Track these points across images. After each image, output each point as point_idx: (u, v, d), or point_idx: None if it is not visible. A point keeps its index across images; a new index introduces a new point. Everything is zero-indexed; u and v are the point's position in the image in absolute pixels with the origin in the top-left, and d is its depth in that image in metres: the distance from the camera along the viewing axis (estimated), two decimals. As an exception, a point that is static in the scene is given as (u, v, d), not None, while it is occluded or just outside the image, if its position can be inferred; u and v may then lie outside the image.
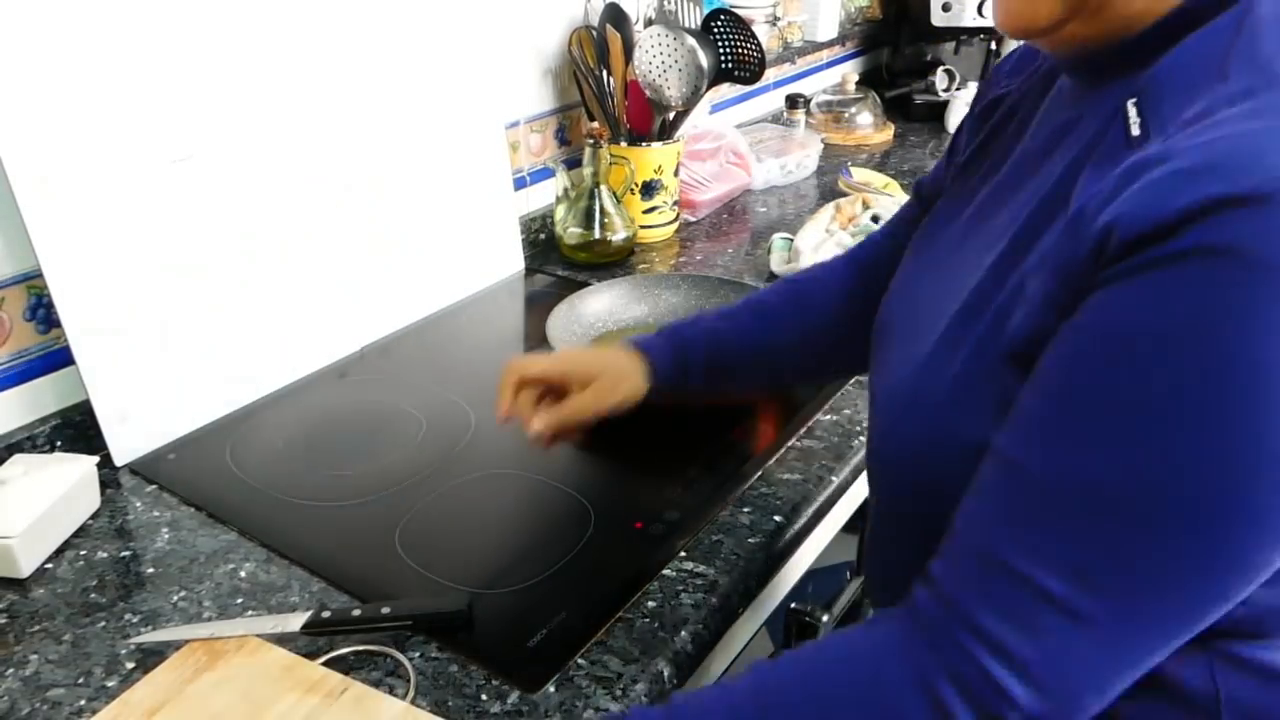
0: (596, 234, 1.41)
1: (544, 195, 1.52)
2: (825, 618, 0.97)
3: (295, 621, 0.74)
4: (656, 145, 1.46)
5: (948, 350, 0.60)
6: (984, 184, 0.70)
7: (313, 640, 0.75)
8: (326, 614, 0.75)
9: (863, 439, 1.01)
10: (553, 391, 0.87)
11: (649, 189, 1.47)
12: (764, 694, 0.56)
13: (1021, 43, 0.75)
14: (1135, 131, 0.53)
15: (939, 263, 0.70)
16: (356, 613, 0.75)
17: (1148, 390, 0.47)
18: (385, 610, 0.75)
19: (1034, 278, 0.54)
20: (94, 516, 0.91)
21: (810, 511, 0.92)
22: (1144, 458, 0.47)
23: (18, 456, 0.91)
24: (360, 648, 0.75)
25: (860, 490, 1.02)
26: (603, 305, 1.22)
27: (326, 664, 0.72)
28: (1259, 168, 0.45)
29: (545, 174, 1.52)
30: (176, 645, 0.73)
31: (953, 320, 0.61)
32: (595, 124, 1.48)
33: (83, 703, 0.71)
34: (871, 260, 0.90)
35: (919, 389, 0.62)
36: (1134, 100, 0.54)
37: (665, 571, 0.83)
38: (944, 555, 0.55)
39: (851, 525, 1.06)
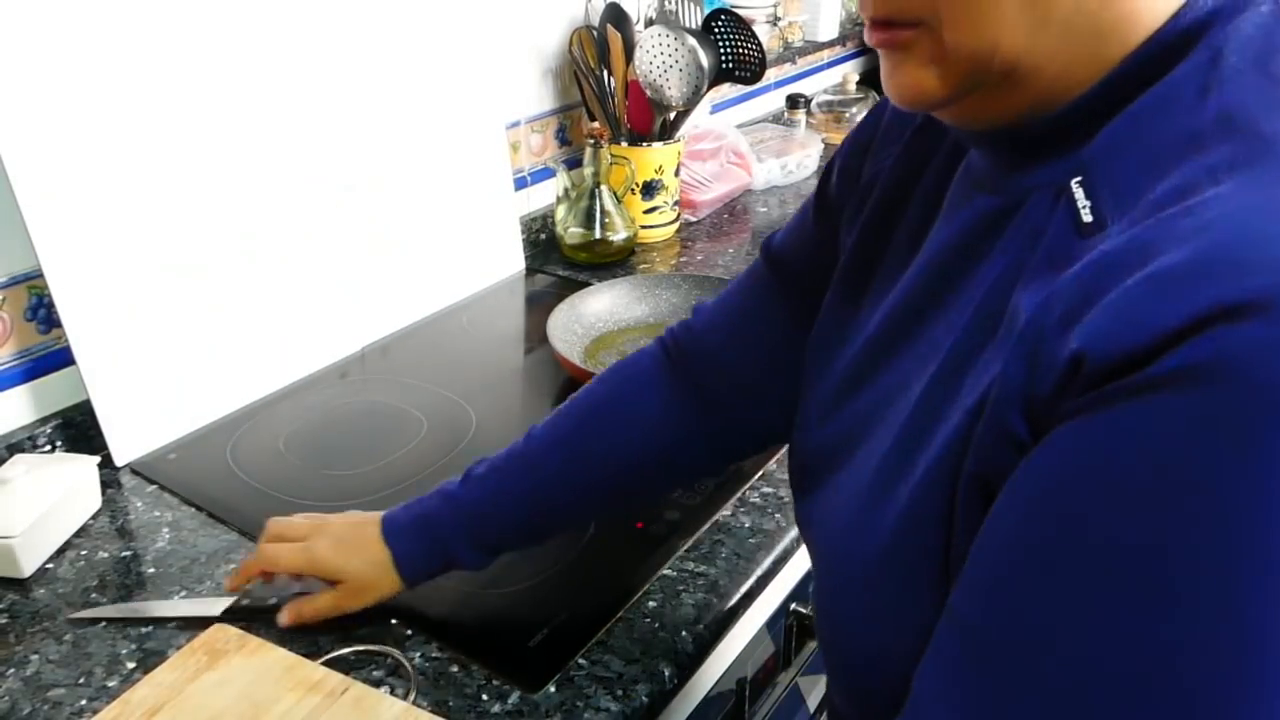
0: (597, 234, 1.41)
1: (544, 195, 1.52)
2: (826, 618, 0.96)
3: (217, 607, 0.78)
4: (657, 145, 1.46)
5: (883, 496, 0.50)
6: (890, 280, 0.58)
7: (313, 640, 0.75)
8: (246, 601, 0.78)
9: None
10: None
11: (649, 189, 1.47)
12: None
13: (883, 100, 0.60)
14: (1086, 218, 0.43)
15: (860, 378, 0.58)
16: (273, 601, 0.78)
17: (1132, 546, 0.36)
18: None
19: (983, 413, 0.43)
20: (95, 516, 0.91)
21: (811, 511, 0.92)
22: (1126, 633, 0.36)
23: (19, 456, 0.91)
24: (361, 647, 0.75)
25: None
26: (603, 305, 1.22)
27: (326, 664, 0.72)
28: (1264, 263, 0.35)
29: (546, 174, 1.52)
30: (177, 645, 0.73)
31: (886, 457, 0.50)
32: (596, 124, 1.48)
33: (83, 703, 0.71)
34: (701, 354, 0.75)
35: (860, 546, 0.51)
36: (1078, 179, 0.44)
37: (666, 571, 0.83)
38: None
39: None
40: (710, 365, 0.74)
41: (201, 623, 0.77)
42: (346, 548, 0.76)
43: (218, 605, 0.78)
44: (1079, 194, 0.44)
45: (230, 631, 0.73)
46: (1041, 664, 0.38)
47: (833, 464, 0.58)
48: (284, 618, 0.76)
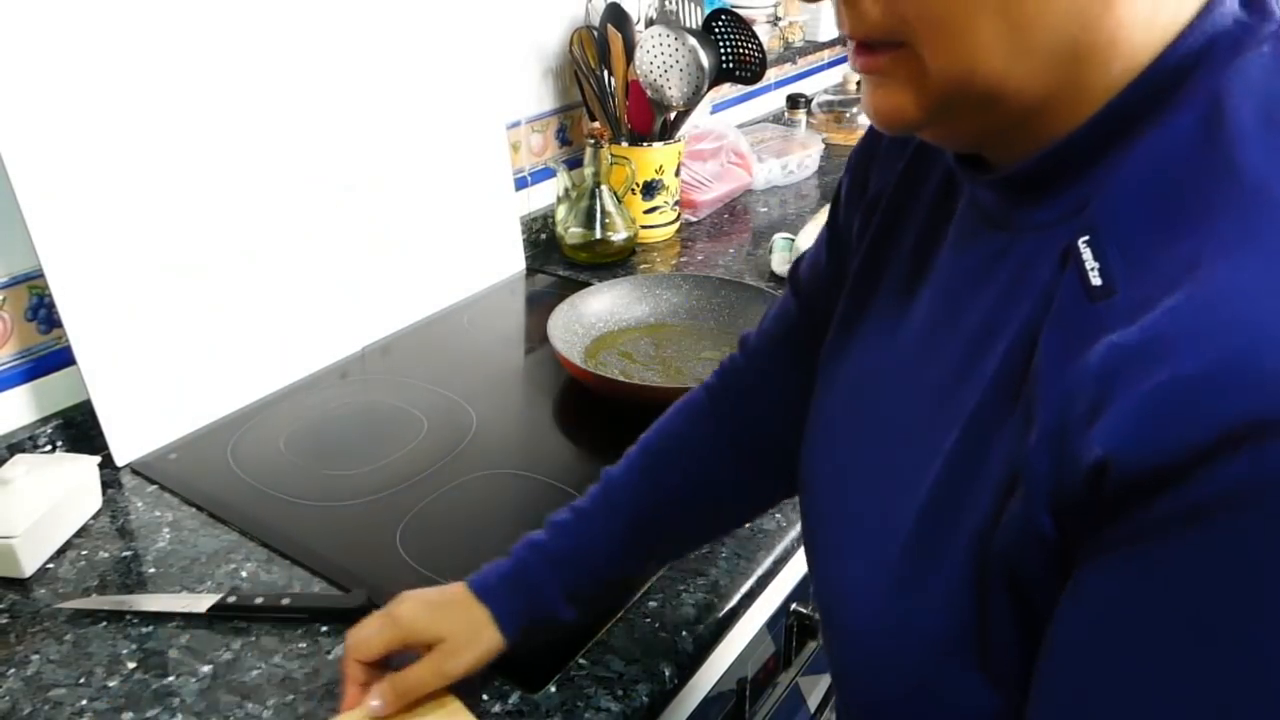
0: (598, 234, 1.41)
1: (545, 195, 1.52)
2: (826, 618, 0.96)
3: (203, 603, 0.79)
4: (658, 145, 1.46)
5: (914, 583, 0.48)
6: (894, 301, 0.57)
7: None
8: (232, 599, 0.79)
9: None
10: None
11: (650, 189, 1.47)
12: None
13: None
14: (1095, 281, 0.42)
15: (875, 419, 0.56)
16: (259, 600, 0.78)
17: (1234, 673, 0.35)
18: (285, 601, 0.79)
19: (1010, 494, 0.43)
20: (95, 516, 0.91)
21: (811, 511, 0.92)
22: None
23: (19, 456, 0.91)
24: None
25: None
26: (604, 305, 1.22)
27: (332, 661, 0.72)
28: None
29: (546, 174, 1.52)
30: (178, 645, 0.73)
31: (915, 531, 0.49)
32: (596, 124, 1.48)
33: (84, 702, 0.71)
34: (738, 390, 0.75)
35: (893, 636, 0.49)
36: (1085, 239, 0.43)
37: (666, 571, 0.83)
38: None
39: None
40: (749, 401, 0.73)
41: (190, 618, 0.78)
42: (436, 609, 0.68)
43: (204, 602, 0.79)
44: (1087, 255, 0.43)
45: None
46: None
47: (855, 509, 0.56)
48: (379, 703, 0.65)
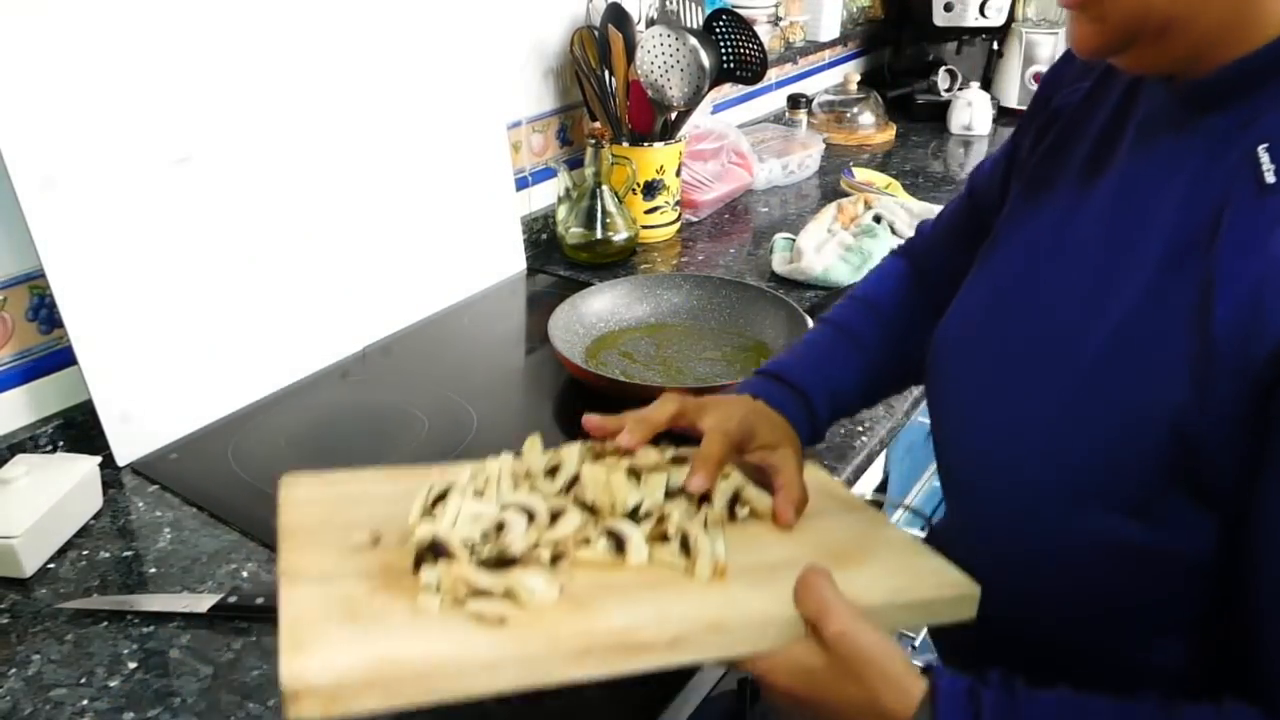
0: (598, 234, 1.41)
1: (546, 195, 1.52)
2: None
3: (204, 603, 0.78)
4: (658, 145, 1.46)
5: (1075, 427, 0.58)
6: (1077, 200, 0.65)
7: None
8: (233, 599, 0.79)
9: (865, 439, 1.01)
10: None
11: (651, 189, 1.47)
12: None
13: None
14: (1270, 179, 0.52)
15: (1045, 287, 0.65)
16: (260, 600, 0.78)
17: None
18: None
19: (1188, 358, 0.52)
20: (96, 517, 0.91)
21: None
22: None
23: (20, 456, 0.91)
24: None
25: (862, 488, 1.02)
26: (604, 305, 1.22)
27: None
28: None
29: (547, 174, 1.52)
30: (178, 645, 0.73)
31: (1089, 372, 0.58)
32: (597, 124, 1.48)
33: (85, 703, 0.71)
34: (927, 263, 0.88)
35: (1051, 472, 0.59)
36: (1265, 146, 0.53)
37: (667, 571, 0.83)
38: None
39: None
40: (941, 288, 0.80)
41: (191, 618, 0.78)
42: (755, 411, 0.74)
43: (205, 602, 0.78)
44: (1265, 158, 0.53)
45: None
46: None
47: (990, 356, 0.66)
48: (787, 515, 0.68)
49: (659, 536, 0.63)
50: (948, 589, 0.63)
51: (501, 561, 0.58)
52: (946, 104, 2.13)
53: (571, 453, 0.69)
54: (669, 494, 0.66)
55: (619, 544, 0.62)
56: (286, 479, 0.69)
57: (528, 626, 0.55)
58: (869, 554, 0.66)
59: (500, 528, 0.60)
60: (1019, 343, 0.64)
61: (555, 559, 0.60)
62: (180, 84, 0.99)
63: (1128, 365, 0.56)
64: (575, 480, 0.66)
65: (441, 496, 0.64)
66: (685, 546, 0.62)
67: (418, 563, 0.58)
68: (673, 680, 0.75)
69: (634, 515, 0.64)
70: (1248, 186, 0.53)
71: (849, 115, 2.03)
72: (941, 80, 2.16)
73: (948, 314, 0.73)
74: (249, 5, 1.04)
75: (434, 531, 0.58)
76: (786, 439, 0.74)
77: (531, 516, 0.62)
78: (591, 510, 0.64)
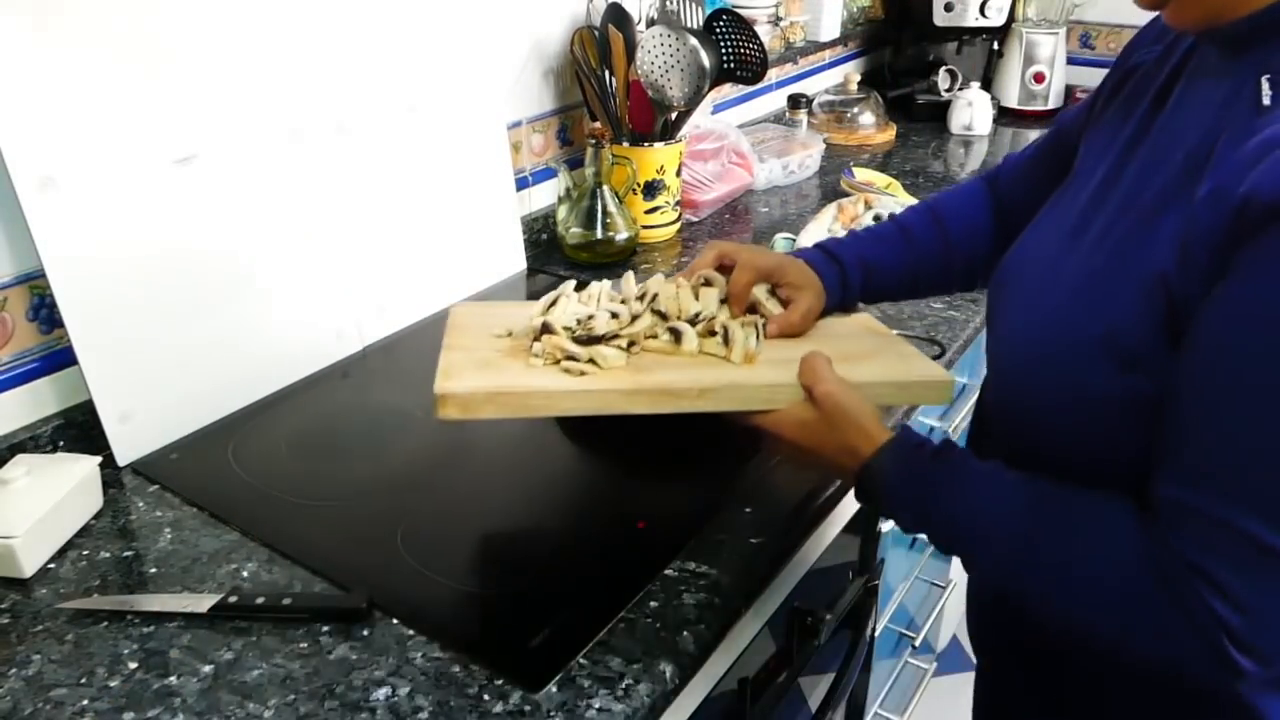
0: (599, 234, 1.41)
1: (546, 195, 1.52)
2: (828, 617, 0.97)
3: (205, 603, 0.78)
4: (659, 145, 1.46)
5: (1093, 295, 0.67)
6: (1126, 152, 0.73)
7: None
8: (233, 599, 0.79)
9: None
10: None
11: (651, 189, 1.47)
12: (1035, 521, 0.66)
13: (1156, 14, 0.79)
14: (1266, 102, 0.60)
15: (1092, 187, 0.74)
16: (260, 600, 0.78)
17: None
18: (286, 601, 0.79)
19: (1178, 231, 0.61)
20: (96, 516, 0.91)
21: (812, 511, 0.92)
22: None
23: (20, 457, 0.91)
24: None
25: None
26: (605, 305, 1.22)
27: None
28: None
29: (547, 174, 1.52)
30: (179, 645, 0.73)
31: (1100, 259, 0.67)
32: (597, 124, 1.48)
33: (85, 703, 0.71)
34: (1008, 191, 0.97)
35: (1067, 328, 0.68)
36: (1268, 76, 0.61)
37: (667, 571, 0.83)
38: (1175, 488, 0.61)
39: (853, 526, 1.06)
40: (1014, 205, 0.92)
41: (191, 618, 0.78)
42: (760, 249, 0.93)
43: (205, 602, 0.78)
44: (1265, 86, 0.61)
45: None
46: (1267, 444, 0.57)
47: (1039, 279, 0.74)
48: (772, 329, 0.88)
49: (708, 333, 0.85)
50: (926, 375, 0.85)
51: (589, 340, 0.81)
52: (947, 104, 2.13)
53: (655, 281, 0.90)
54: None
55: (677, 336, 0.84)
56: (457, 307, 0.94)
57: (599, 377, 0.79)
58: (874, 357, 0.86)
59: (591, 319, 0.83)
60: (1070, 266, 0.72)
61: (630, 345, 0.82)
62: (181, 84, 0.99)
63: (1141, 241, 0.65)
64: (655, 297, 0.87)
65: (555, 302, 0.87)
66: (726, 339, 0.83)
67: (535, 340, 0.82)
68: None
69: (692, 322, 0.85)
70: (1248, 109, 0.61)
71: (849, 115, 2.03)
72: (942, 80, 2.16)
73: (1019, 240, 0.81)
74: (249, 4, 1.04)
75: (545, 318, 0.83)
76: (811, 286, 0.90)
77: (614, 316, 0.84)
78: (664, 317, 0.85)
